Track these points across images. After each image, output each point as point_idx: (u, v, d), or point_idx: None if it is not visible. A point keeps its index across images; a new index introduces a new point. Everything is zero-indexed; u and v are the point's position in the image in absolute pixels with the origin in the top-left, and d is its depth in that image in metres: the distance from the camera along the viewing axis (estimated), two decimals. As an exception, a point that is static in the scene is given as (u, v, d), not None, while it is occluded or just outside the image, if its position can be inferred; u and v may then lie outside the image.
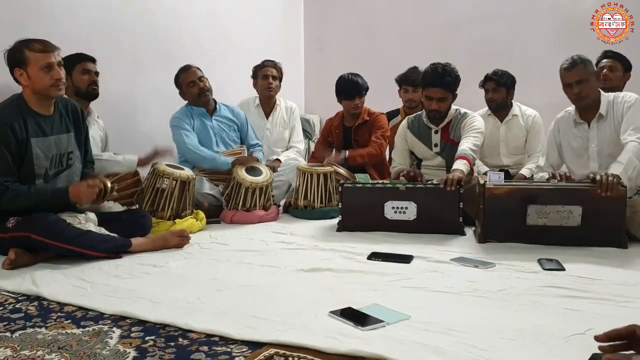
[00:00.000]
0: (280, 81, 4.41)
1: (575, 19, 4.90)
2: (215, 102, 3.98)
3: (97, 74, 3.30)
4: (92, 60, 3.29)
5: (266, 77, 4.29)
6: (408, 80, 4.26)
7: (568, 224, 2.72)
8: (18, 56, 2.52)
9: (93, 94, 3.27)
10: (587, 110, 3.09)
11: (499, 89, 3.87)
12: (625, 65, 3.81)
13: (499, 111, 3.95)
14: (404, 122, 3.78)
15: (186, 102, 3.91)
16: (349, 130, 4.21)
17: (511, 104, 3.96)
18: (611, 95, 3.09)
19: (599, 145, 3.06)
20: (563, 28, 5.05)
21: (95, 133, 3.27)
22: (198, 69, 3.86)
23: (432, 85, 3.42)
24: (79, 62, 3.21)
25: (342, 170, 3.83)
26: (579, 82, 2.98)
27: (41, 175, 2.59)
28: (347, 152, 4.02)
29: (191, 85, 3.83)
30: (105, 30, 3.82)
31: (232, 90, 4.24)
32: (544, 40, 5.10)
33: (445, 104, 3.46)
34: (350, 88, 4.08)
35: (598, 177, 2.70)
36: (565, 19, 5.04)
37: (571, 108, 3.19)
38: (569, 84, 3.02)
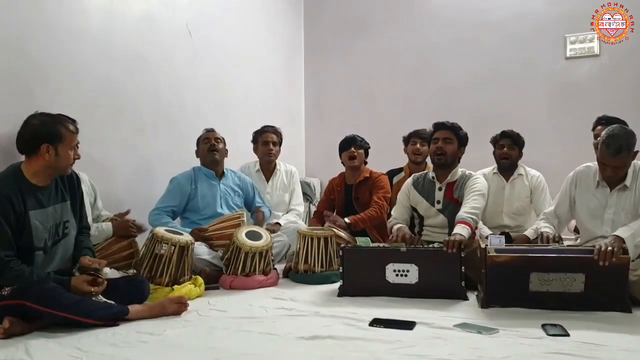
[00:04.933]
0: (280, 145, 4.48)
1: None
2: (224, 168, 4.07)
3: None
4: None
5: (266, 143, 4.38)
6: (417, 133, 4.48)
7: (571, 290, 2.69)
8: (55, 132, 2.52)
9: None
10: None
11: (514, 147, 3.98)
12: None
13: (508, 170, 4.01)
14: (410, 179, 3.81)
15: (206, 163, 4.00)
16: (350, 188, 4.30)
17: (517, 164, 4.04)
18: (638, 164, 3.01)
19: (615, 214, 2.99)
20: (557, 93, 5.16)
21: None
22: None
23: (439, 129, 3.59)
24: None
25: (342, 234, 3.82)
26: (616, 169, 2.91)
27: (40, 247, 2.57)
28: (347, 219, 4.03)
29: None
30: (108, 97, 3.83)
31: (233, 154, 4.28)
32: (538, 105, 5.21)
33: (450, 146, 3.53)
34: (346, 140, 4.36)
35: (597, 246, 2.68)
36: (559, 84, 5.16)
37: (593, 164, 3.09)
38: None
